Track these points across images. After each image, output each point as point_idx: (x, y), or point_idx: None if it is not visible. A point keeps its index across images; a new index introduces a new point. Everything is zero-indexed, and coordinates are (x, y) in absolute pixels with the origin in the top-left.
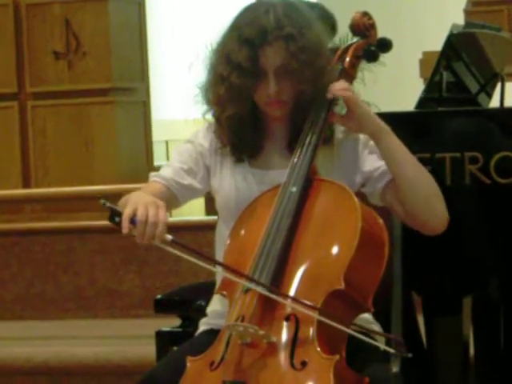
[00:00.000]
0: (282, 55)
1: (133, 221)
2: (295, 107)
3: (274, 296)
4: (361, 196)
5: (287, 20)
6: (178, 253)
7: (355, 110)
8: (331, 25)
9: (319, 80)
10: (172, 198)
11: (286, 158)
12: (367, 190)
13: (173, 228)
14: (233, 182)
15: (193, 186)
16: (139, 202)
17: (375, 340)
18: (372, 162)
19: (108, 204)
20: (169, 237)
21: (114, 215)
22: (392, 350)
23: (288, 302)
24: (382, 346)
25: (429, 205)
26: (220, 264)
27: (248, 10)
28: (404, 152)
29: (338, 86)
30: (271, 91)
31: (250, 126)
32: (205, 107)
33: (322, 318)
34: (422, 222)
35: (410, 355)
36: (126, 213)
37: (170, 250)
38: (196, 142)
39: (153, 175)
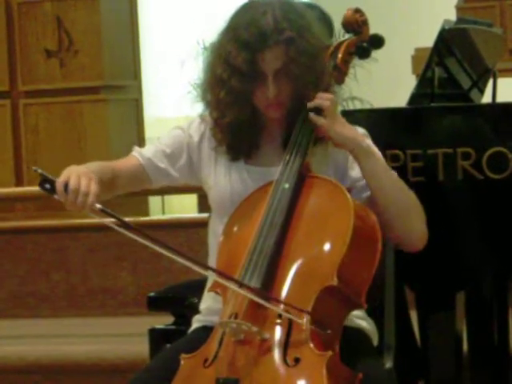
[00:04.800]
0: (282, 59)
1: (65, 188)
2: (293, 107)
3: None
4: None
5: (286, 22)
6: (115, 227)
7: (329, 132)
8: (329, 27)
9: (319, 82)
10: (144, 176)
11: (281, 156)
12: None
13: (165, 225)
14: (228, 179)
15: (168, 172)
16: (73, 171)
17: None
18: (358, 170)
19: (40, 170)
20: (98, 206)
21: (46, 182)
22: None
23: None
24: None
25: (407, 223)
26: (161, 244)
27: (245, 9)
28: (384, 171)
29: (313, 105)
30: (270, 94)
31: (247, 127)
32: (200, 105)
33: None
34: (399, 238)
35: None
36: (59, 180)
37: (99, 217)
38: (187, 131)
39: (135, 149)
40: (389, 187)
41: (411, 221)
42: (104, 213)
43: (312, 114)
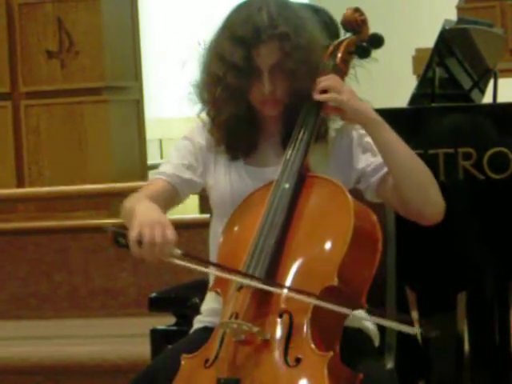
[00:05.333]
0: (277, 54)
1: (139, 242)
2: (290, 104)
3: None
4: (355, 192)
5: (281, 18)
6: (189, 265)
7: (343, 107)
8: (335, 32)
9: (314, 77)
10: (174, 193)
11: (280, 155)
12: (362, 186)
13: None
14: (227, 179)
15: (193, 181)
16: (144, 221)
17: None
18: (365, 160)
19: (112, 228)
20: (177, 251)
21: (118, 237)
22: (415, 331)
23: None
24: (409, 329)
25: (424, 194)
26: (231, 270)
27: (241, 8)
28: (397, 142)
29: (322, 87)
30: (266, 90)
31: (245, 125)
32: (199, 106)
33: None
34: (418, 211)
35: (437, 333)
36: (133, 236)
37: (180, 263)
38: (194, 139)
39: (154, 173)
40: (404, 158)
41: (428, 191)
42: (187, 257)
43: (324, 95)
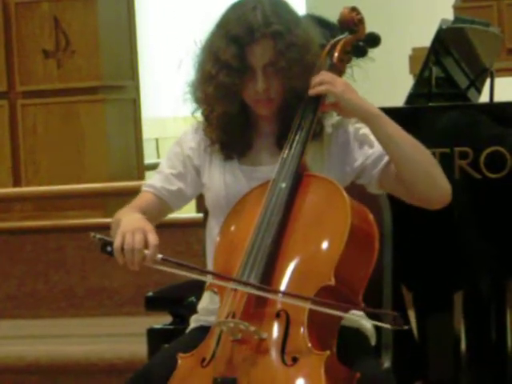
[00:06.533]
0: (270, 53)
1: (122, 249)
2: (284, 104)
3: (264, 294)
4: (352, 190)
5: (274, 17)
6: (171, 270)
7: (339, 100)
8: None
9: (309, 76)
10: (163, 205)
11: (275, 155)
12: (364, 181)
13: (163, 225)
14: (222, 179)
15: (182, 191)
16: (127, 229)
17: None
18: (363, 154)
19: (98, 236)
20: (159, 256)
21: (106, 245)
22: (388, 326)
23: (279, 296)
24: (377, 323)
25: (430, 179)
26: (211, 273)
27: (235, 7)
28: (397, 131)
29: (316, 83)
30: (259, 89)
31: (239, 123)
32: (194, 105)
33: (314, 307)
34: (426, 197)
35: (406, 327)
36: (116, 245)
37: (164, 268)
38: (184, 144)
39: (144, 185)
40: (407, 147)
41: (434, 178)
42: (168, 262)
43: (318, 88)
